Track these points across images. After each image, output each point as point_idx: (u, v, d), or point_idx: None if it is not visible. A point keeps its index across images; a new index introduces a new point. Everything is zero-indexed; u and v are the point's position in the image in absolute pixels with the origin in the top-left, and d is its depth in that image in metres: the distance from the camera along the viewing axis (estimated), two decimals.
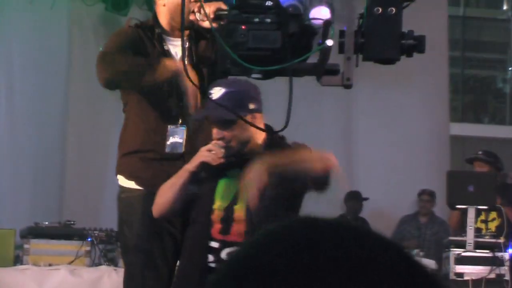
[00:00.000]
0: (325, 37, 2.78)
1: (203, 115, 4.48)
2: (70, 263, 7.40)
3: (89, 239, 7.60)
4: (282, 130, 3.23)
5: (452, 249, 7.61)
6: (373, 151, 10.88)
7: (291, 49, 2.79)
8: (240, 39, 2.77)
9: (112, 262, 7.54)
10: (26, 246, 7.49)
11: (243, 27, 2.76)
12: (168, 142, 4.69)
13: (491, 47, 12.30)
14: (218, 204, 4.36)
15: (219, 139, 4.23)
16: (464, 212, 8.07)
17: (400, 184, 10.64)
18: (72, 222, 8.06)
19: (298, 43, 2.83)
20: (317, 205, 9.92)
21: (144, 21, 4.96)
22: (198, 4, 4.53)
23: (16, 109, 10.02)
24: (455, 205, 8.30)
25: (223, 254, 4.31)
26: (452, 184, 8.28)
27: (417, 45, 2.84)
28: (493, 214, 8.52)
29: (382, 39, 2.83)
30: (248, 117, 4.17)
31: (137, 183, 4.80)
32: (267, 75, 2.92)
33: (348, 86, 2.90)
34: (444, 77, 11.23)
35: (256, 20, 2.79)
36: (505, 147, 10.25)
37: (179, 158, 4.67)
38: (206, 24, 4.48)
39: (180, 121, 4.72)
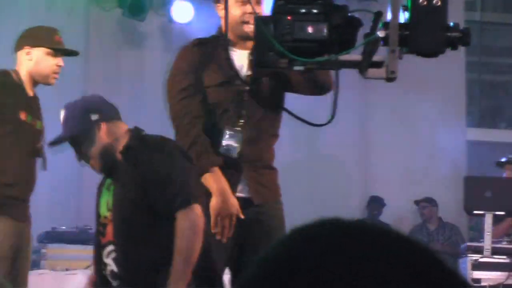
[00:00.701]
0: (375, 28, 2.75)
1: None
2: (87, 267, 7.40)
3: None
4: (328, 122, 3.34)
5: (469, 255, 7.56)
6: (390, 157, 10.89)
7: (336, 40, 2.78)
8: (286, 30, 2.75)
9: None
10: (43, 250, 7.52)
11: (288, 17, 2.74)
12: (223, 143, 4.70)
13: (508, 52, 12.25)
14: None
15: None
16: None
17: (418, 189, 10.61)
18: (89, 227, 8.05)
19: (342, 35, 2.81)
20: (338, 210, 9.98)
21: (208, 37, 4.97)
22: (249, 17, 4.63)
23: None
24: (472, 211, 8.29)
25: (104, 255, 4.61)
26: (469, 190, 8.24)
27: (462, 37, 2.80)
28: None
29: (427, 31, 2.80)
30: (95, 128, 4.70)
31: None
32: (312, 68, 2.98)
33: (392, 79, 2.85)
34: (461, 83, 11.22)
35: (302, 10, 2.76)
36: None
37: (231, 167, 4.72)
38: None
39: (238, 123, 4.74)
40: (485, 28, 11.82)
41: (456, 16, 11.20)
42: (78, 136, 4.91)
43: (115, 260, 4.58)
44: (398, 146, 10.80)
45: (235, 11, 4.72)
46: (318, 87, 4.76)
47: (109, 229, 4.61)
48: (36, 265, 7.46)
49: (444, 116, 10.95)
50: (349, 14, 2.82)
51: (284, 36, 2.75)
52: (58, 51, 6.02)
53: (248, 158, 4.76)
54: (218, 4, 4.86)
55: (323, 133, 8.44)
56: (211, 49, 4.83)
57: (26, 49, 5.94)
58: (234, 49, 4.77)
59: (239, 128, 4.71)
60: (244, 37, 4.73)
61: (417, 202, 10.50)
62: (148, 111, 10.15)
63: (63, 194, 9.91)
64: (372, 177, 10.95)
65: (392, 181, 10.73)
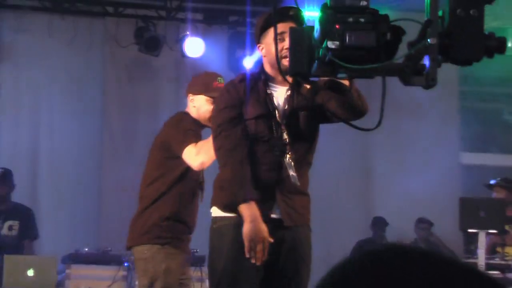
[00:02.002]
0: (423, 36, 2.64)
1: None
2: (108, 287, 7.43)
3: (125, 264, 7.63)
4: (376, 127, 3.18)
5: None
6: (390, 180, 10.85)
7: (383, 49, 2.70)
8: (335, 38, 2.65)
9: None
10: (67, 271, 7.53)
11: (337, 26, 2.66)
12: (288, 174, 4.70)
13: (498, 82, 12.27)
14: None
15: None
16: None
17: (416, 210, 10.54)
18: (109, 249, 8.10)
19: (388, 43, 2.72)
20: (346, 231, 10.00)
21: (251, 73, 5.01)
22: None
23: (56, 145, 10.10)
24: (467, 229, 8.30)
25: None
26: (464, 210, 8.27)
27: (498, 46, 2.72)
28: None
29: (466, 40, 2.70)
30: None
31: (227, 211, 4.81)
32: (354, 75, 2.88)
33: (431, 86, 2.74)
34: (455, 110, 11.26)
35: (350, 19, 2.68)
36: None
37: (269, 188, 4.74)
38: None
39: (287, 157, 4.75)
40: None
41: None
42: None
43: None
44: (396, 170, 10.75)
45: (274, 48, 4.53)
46: (355, 112, 4.69)
47: None
48: (61, 285, 7.47)
49: (440, 142, 10.98)
50: (392, 23, 2.74)
51: (333, 44, 2.65)
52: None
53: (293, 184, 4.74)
54: (259, 45, 4.87)
55: (325, 157, 8.45)
56: (253, 84, 4.83)
57: (190, 97, 6.04)
58: (274, 84, 4.80)
59: (290, 160, 4.72)
60: (284, 73, 4.56)
61: (417, 222, 10.43)
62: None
63: (84, 219, 9.95)
64: (374, 199, 10.93)
65: (392, 203, 10.68)
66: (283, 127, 4.75)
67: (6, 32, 9.95)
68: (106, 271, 7.61)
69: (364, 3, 2.69)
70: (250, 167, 4.73)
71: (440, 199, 10.55)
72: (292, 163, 4.72)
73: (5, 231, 8.29)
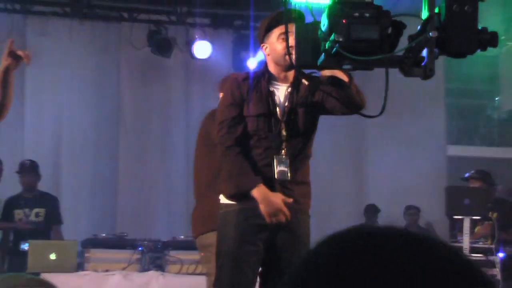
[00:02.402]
0: (424, 29, 2.64)
1: None
2: (124, 269, 7.42)
3: (140, 248, 7.63)
4: (380, 114, 3.11)
5: None
6: (382, 171, 10.84)
7: (385, 41, 2.70)
8: (342, 31, 2.65)
9: (160, 268, 7.53)
10: (86, 254, 7.53)
11: (343, 21, 2.65)
12: (277, 170, 4.67)
13: (481, 80, 12.28)
14: None
15: None
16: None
17: (406, 198, 10.55)
18: (125, 234, 8.10)
19: (390, 37, 2.73)
20: (340, 217, 9.98)
21: (255, 71, 4.96)
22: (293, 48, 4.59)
23: (76, 139, 10.12)
24: (452, 216, 8.29)
25: None
26: (450, 198, 8.27)
27: (491, 39, 2.70)
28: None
29: (461, 34, 2.68)
30: None
31: (232, 199, 4.77)
32: (358, 66, 2.80)
33: (429, 77, 2.73)
34: (442, 106, 11.23)
35: (356, 14, 2.67)
36: (495, 165, 10.21)
37: (267, 180, 4.67)
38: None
39: (283, 152, 4.70)
40: (462, 59, 11.77)
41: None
42: None
43: None
44: (388, 161, 10.74)
45: (278, 46, 4.68)
46: (354, 106, 4.64)
47: None
48: (80, 267, 7.46)
49: (427, 135, 10.97)
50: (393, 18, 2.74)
51: (340, 37, 2.65)
52: None
53: (291, 176, 4.70)
54: (263, 44, 4.82)
55: (322, 150, 8.43)
56: (256, 82, 4.79)
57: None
58: (276, 82, 4.76)
59: (284, 155, 4.68)
60: (288, 68, 4.70)
61: (406, 209, 10.46)
62: (174, 135, 10.27)
63: (102, 207, 9.96)
64: (368, 188, 10.93)
65: (385, 192, 10.68)
66: (282, 124, 4.70)
67: (32, 35, 9.97)
68: (122, 255, 7.60)
69: (369, 13, 2.67)
70: (250, 161, 4.69)
71: (428, 188, 10.58)
72: (287, 159, 4.68)
73: (32, 217, 8.28)
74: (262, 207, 4.60)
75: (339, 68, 2.94)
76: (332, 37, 2.63)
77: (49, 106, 10.03)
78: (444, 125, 11.30)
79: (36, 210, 8.32)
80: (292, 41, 4.60)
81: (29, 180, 8.34)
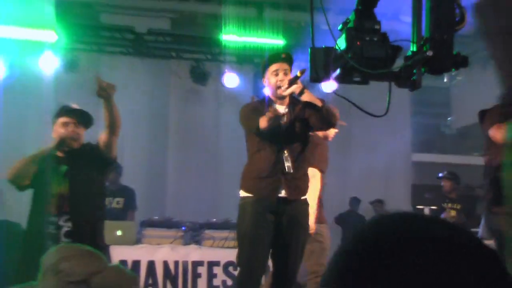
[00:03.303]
0: (421, 50, 2.58)
1: None
2: (171, 243, 7.40)
3: (183, 228, 7.62)
4: (384, 115, 2.92)
5: None
6: (363, 172, 10.68)
7: (388, 60, 2.65)
8: (357, 51, 2.61)
9: (197, 242, 7.51)
10: (143, 232, 7.53)
11: (358, 43, 2.62)
12: (286, 165, 4.62)
13: (438, 104, 12.26)
14: None
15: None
16: None
17: (380, 193, 10.51)
18: (172, 217, 8.09)
19: (390, 56, 2.67)
20: (330, 206, 9.87)
21: (261, 98, 4.93)
22: (282, 82, 4.60)
23: (137, 144, 10.10)
24: (416, 206, 8.28)
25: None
26: (414, 193, 8.27)
27: (462, 62, 2.62)
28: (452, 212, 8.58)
29: (442, 56, 2.61)
30: None
31: (249, 192, 4.72)
32: (366, 79, 2.72)
33: (416, 89, 2.67)
34: (408, 124, 11.19)
35: (367, 38, 2.64)
36: (448, 168, 10.15)
37: (274, 176, 4.65)
38: (286, 93, 4.57)
39: (285, 153, 4.66)
40: (422, 88, 11.79)
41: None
42: None
43: None
44: (368, 166, 10.60)
45: (272, 80, 4.64)
46: (327, 124, 4.63)
47: None
48: (138, 241, 7.46)
49: (397, 146, 10.87)
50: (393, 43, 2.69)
51: (355, 55, 2.60)
52: None
53: (292, 173, 4.66)
54: (264, 78, 4.77)
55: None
56: (263, 104, 4.75)
57: None
58: (277, 105, 4.70)
59: (287, 156, 4.62)
60: (280, 97, 4.66)
61: (371, 202, 10.41)
62: (209, 143, 10.22)
63: (155, 200, 9.88)
64: (350, 186, 10.80)
65: (364, 189, 10.58)
66: (284, 133, 4.66)
67: (104, 69, 9.98)
68: (169, 232, 7.58)
69: (377, 27, 2.65)
70: (264, 162, 4.66)
71: (397, 185, 10.51)
72: (289, 158, 4.62)
73: (114, 205, 8.30)
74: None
75: (351, 81, 2.79)
76: (348, 55, 2.59)
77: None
78: (410, 138, 11.25)
79: (117, 199, 8.34)
80: (281, 77, 4.66)
81: (113, 177, 8.33)
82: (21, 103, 9.37)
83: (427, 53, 2.54)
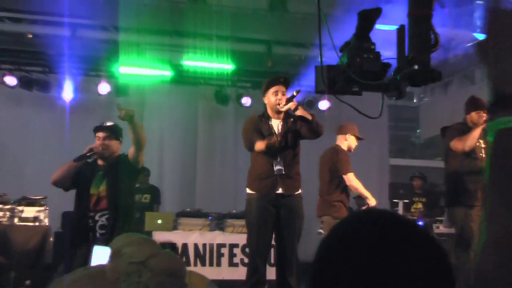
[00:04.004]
0: (410, 64, 2.54)
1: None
2: (200, 229, 7.42)
3: (210, 218, 7.64)
4: (379, 116, 2.81)
5: None
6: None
7: (381, 73, 2.60)
8: (357, 66, 2.56)
9: (221, 229, 7.51)
10: (178, 220, 7.55)
11: (358, 59, 2.56)
12: (275, 168, 4.64)
13: (409, 120, 12.19)
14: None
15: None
16: None
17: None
18: (201, 209, 8.10)
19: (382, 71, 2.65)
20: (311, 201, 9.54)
21: (261, 113, 4.92)
22: (281, 100, 4.64)
23: (172, 150, 10.00)
24: (392, 199, 8.26)
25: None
26: (391, 190, 8.25)
27: (436, 77, 2.56)
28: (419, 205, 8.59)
29: (422, 71, 2.54)
30: None
31: (253, 190, 4.73)
32: (362, 89, 2.65)
33: (402, 97, 2.61)
34: (386, 135, 11.10)
35: (365, 56, 2.57)
36: (419, 170, 10.09)
37: (271, 177, 4.64)
38: (284, 109, 4.63)
39: (278, 158, 4.66)
40: (395, 108, 11.65)
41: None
42: None
43: None
44: (353, 169, 10.50)
45: (272, 98, 4.68)
46: (315, 134, 4.61)
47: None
48: (175, 228, 7.46)
49: (378, 153, 10.80)
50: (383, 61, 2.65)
51: (356, 70, 2.54)
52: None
53: (285, 173, 4.67)
54: (264, 97, 4.79)
55: (306, 159, 8.37)
56: (261, 118, 4.77)
57: (346, 136, 5.93)
58: (273, 119, 4.73)
59: (279, 159, 4.65)
60: (277, 112, 4.68)
61: (354, 197, 10.25)
62: (230, 151, 10.11)
63: (187, 194, 9.76)
64: None
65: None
66: (279, 143, 4.66)
67: (149, 94, 9.89)
68: (199, 221, 7.60)
69: (372, 47, 2.60)
70: (262, 166, 4.66)
71: (377, 184, 10.40)
72: (282, 162, 4.62)
73: (142, 200, 8.28)
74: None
75: (349, 91, 2.75)
76: (350, 71, 2.58)
77: (155, 134, 9.91)
78: (387, 146, 11.15)
79: (145, 195, 8.35)
80: (279, 96, 4.70)
81: (142, 179, 8.33)
82: (83, 120, 9.40)
83: (414, 67, 2.51)
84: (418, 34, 2.54)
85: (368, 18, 2.54)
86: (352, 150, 5.87)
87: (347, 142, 5.83)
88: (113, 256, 1.58)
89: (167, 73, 9.41)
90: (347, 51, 2.60)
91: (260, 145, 4.58)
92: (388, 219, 0.82)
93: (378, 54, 2.62)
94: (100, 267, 1.57)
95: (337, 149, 5.82)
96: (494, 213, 1.91)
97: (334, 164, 5.68)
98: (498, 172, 2.02)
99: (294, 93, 4.53)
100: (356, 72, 2.54)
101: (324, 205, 5.75)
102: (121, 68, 8.92)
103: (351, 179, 5.66)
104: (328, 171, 5.76)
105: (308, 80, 9.11)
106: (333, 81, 2.64)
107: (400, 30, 2.55)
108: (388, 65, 2.64)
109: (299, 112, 4.61)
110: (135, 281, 1.46)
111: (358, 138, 5.85)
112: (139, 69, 9.06)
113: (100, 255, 2.50)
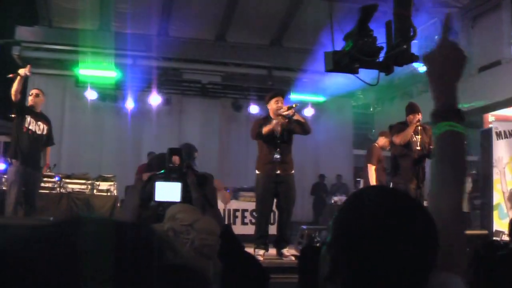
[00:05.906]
0: (400, 45, 2.41)
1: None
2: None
3: (228, 190, 7.28)
4: (376, 84, 2.56)
5: None
6: (327, 160, 10.30)
7: (377, 53, 2.46)
8: (359, 47, 2.40)
9: (236, 199, 7.28)
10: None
11: (360, 42, 2.43)
12: (275, 157, 4.56)
13: (366, 123, 11.98)
14: None
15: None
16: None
17: (339, 171, 10.15)
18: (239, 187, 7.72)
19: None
20: (305, 180, 9.50)
21: (265, 116, 4.77)
22: (281, 107, 4.54)
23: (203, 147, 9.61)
24: (356, 178, 8.14)
25: None
26: (355, 172, 8.14)
27: (415, 57, 2.45)
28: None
29: (405, 54, 2.43)
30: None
31: (260, 171, 4.64)
32: (363, 66, 2.49)
33: (391, 73, 2.46)
34: (351, 133, 10.89)
35: (366, 39, 2.47)
36: None
37: (272, 162, 4.55)
38: (284, 114, 4.51)
39: (278, 149, 4.58)
40: (360, 113, 11.40)
41: (348, 107, 10.76)
42: None
43: None
44: (327, 159, 10.15)
45: (274, 106, 4.58)
46: (306, 132, 4.53)
47: None
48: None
49: (345, 145, 10.59)
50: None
51: (358, 49, 2.42)
52: None
53: (282, 160, 4.60)
54: (268, 105, 4.69)
55: (298, 150, 7.98)
56: (266, 120, 4.67)
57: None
58: (275, 120, 4.62)
59: (278, 150, 4.58)
60: (278, 115, 4.56)
61: (337, 176, 10.05)
62: (242, 151, 9.57)
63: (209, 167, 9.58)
64: (318, 167, 10.36)
65: (325, 168, 10.17)
66: (278, 138, 4.59)
67: (184, 104, 9.73)
68: (220, 193, 7.43)
69: (371, 33, 2.50)
70: (266, 154, 4.56)
71: (346, 167, 10.35)
72: (279, 151, 4.54)
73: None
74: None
75: (352, 69, 2.53)
76: (354, 50, 2.47)
77: (188, 137, 9.59)
78: (351, 141, 10.94)
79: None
80: (280, 104, 4.56)
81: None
82: (140, 123, 9.37)
83: (404, 47, 2.44)
84: (401, 27, 2.49)
85: (367, 12, 2.48)
86: (386, 148, 5.81)
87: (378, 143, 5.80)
88: (169, 219, 1.57)
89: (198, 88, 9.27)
90: (351, 37, 2.53)
91: (267, 128, 4.52)
92: (389, 192, 0.72)
93: (375, 39, 2.54)
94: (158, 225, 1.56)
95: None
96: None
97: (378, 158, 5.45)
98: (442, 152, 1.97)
99: (294, 105, 4.56)
100: (359, 51, 2.47)
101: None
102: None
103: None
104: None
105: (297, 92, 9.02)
106: (338, 62, 2.53)
107: (388, 23, 2.49)
108: (381, 48, 2.56)
109: (296, 117, 4.60)
110: (185, 238, 1.46)
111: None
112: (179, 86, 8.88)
113: (161, 189, 2.31)
